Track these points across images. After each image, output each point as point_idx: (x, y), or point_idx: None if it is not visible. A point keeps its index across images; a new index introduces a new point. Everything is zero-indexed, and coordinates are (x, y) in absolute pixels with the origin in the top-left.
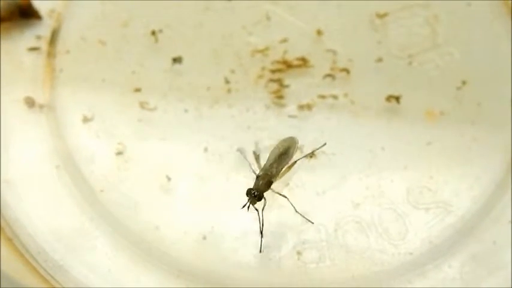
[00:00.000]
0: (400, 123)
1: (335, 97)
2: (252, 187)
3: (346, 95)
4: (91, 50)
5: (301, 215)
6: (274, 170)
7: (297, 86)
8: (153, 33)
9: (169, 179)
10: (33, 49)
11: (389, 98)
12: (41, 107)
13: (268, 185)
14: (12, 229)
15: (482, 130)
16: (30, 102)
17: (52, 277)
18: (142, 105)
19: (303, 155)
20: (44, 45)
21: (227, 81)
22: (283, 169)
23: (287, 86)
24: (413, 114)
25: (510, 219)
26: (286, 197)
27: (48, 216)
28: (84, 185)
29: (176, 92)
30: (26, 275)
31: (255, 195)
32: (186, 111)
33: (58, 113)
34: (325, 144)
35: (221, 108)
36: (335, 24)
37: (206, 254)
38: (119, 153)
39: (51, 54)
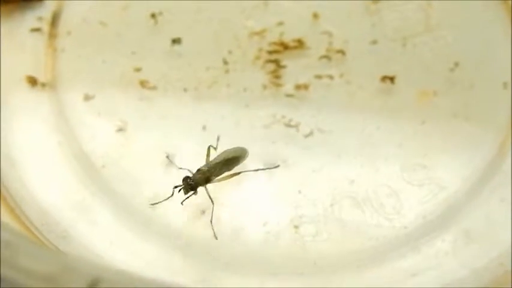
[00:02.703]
0: (394, 103)
1: (331, 77)
2: (190, 176)
3: (341, 75)
4: (92, 30)
5: (212, 228)
6: (216, 171)
7: (294, 66)
8: (153, 15)
9: (168, 156)
10: (35, 30)
11: (384, 79)
12: (43, 85)
13: (204, 181)
14: (17, 202)
15: (475, 110)
16: (32, 81)
17: (56, 247)
18: (143, 84)
19: (252, 169)
20: (45, 26)
21: (225, 62)
22: (225, 174)
23: (284, 67)
24: (407, 94)
25: (501, 195)
26: (212, 203)
27: (51, 191)
28: (85, 160)
29: (175, 72)
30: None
31: (189, 184)
32: (185, 90)
33: (60, 91)
34: (278, 166)
35: (220, 88)
36: (331, 7)
37: (206, 227)
38: (120, 130)
39: (52, 35)
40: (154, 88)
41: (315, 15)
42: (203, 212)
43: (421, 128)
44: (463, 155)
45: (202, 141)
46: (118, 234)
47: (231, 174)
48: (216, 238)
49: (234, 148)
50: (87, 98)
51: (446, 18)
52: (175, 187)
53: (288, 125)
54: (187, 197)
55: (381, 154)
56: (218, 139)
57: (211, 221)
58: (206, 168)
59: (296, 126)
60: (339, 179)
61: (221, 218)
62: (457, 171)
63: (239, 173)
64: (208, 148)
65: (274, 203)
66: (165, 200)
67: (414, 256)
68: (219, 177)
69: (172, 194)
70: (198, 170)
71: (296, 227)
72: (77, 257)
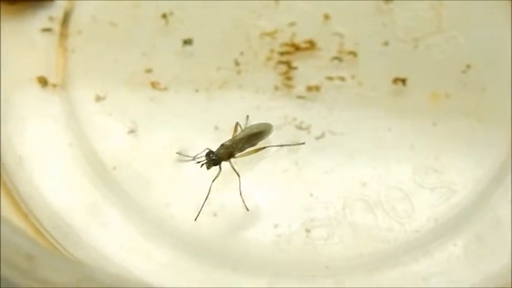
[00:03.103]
0: (406, 105)
1: (342, 79)
2: (213, 151)
3: (353, 76)
4: (103, 31)
5: (242, 200)
6: (240, 145)
7: (305, 68)
8: (164, 15)
9: (180, 156)
10: (46, 30)
11: (395, 80)
12: (54, 86)
13: (228, 155)
14: (28, 205)
15: (486, 112)
16: (43, 82)
17: (66, 250)
18: (154, 85)
19: (276, 144)
20: (56, 26)
21: (237, 63)
22: (249, 149)
23: (295, 68)
24: (419, 96)
25: None
26: (238, 175)
27: (62, 193)
28: (96, 162)
29: (187, 73)
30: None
31: (213, 159)
32: (196, 91)
33: (71, 92)
34: (303, 143)
35: (231, 89)
36: (342, 8)
37: (216, 230)
38: (131, 131)
39: (63, 35)
40: (165, 89)
41: (326, 16)
42: (215, 214)
43: (432, 129)
44: (475, 157)
45: (214, 141)
46: (129, 236)
47: (254, 150)
48: (248, 209)
49: (258, 124)
50: (98, 98)
51: (458, 19)
52: (198, 162)
53: (300, 127)
54: (216, 177)
55: (392, 156)
56: (247, 118)
57: (240, 194)
58: (230, 143)
59: (307, 128)
60: (351, 181)
61: (232, 221)
62: (469, 173)
63: (263, 148)
64: (236, 124)
65: (285, 205)
66: (189, 159)
67: (426, 260)
68: (242, 152)
69: (193, 159)
70: (222, 145)
71: (308, 230)
72: (95, 267)
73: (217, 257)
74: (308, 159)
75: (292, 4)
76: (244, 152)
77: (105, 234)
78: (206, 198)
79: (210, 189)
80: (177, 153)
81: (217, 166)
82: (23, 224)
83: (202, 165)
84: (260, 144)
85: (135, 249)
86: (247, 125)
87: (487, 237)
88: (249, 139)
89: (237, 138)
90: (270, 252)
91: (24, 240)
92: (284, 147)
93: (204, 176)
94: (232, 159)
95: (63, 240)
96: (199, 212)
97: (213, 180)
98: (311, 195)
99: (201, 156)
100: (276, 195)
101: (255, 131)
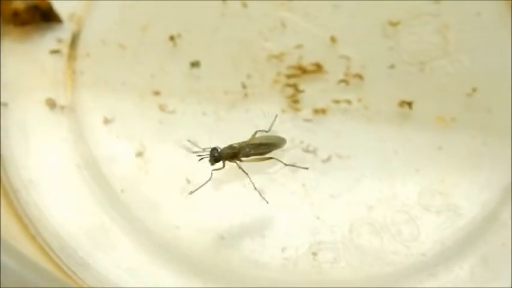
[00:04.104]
0: (412, 128)
1: (349, 102)
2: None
3: (359, 100)
4: (111, 53)
5: (259, 193)
6: (247, 150)
7: (312, 91)
8: (172, 38)
9: (188, 181)
10: (54, 52)
11: (401, 104)
12: (62, 108)
13: (231, 156)
14: (36, 227)
15: (492, 135)
16: (51, 104)
17: (74, 273)
18: (162, 107)
19: (282, 160)
20: (64, 48)
21: (244, 86)
22: (256, 156)
23: (302, 91)
24: (424, 119)
25: None
26: (247, 174)
27: (70, 215)
28: (105, 184)
29: (194, 96)
30: (49, 272)
31: (215, 155)
32: (204, 114)
33: (79, 114)
34: (307, 168)
35: (238, 112)
36: (348, 31)
37: (224, 253)
38: (139, 154)
39: (71, 57)
40: (173, 112)
41: (333, 39)
42: (222, 237)
43: (438, 153)
44: (481, 180)
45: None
46: (137, 259)
47: (260, 158)
48: (267, 202)
49: (272, 135)
50: (106, 121)
51: (464, 42)
52: (199, 155)
53: (306, 150)
54: (218, 169)
55: (398, 179)
56: (275, 118)
57: (255, 188)
58: (237, 146)
59: (314, 151)
60: (357, 205)
61: (240, 244)
62: (475, 197)
63: (269, 158)
64: (255, 133)
65: (292, 228)
66: (203, 184)
67: (432, 283)
68: (248, 158)
69: (211, 178)
70: (230, 145)
71: (314, 253)
72: None
73: (225, 280)
74: (315, 182)
75: (299, 27)
76: (249, 158)
77: (112, 257)
78: (205, 183)
79: (211, 176)
80: (188, 140)
81: (221, 163)
82: (31, 246)
83: (201, 159)
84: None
85: (142, 272)
86: (271, 126)
87: (493, 260)
88: (258, 147)
89: (247, 143)
90: (278, 276)
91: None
92: (288, 166)
93: (213, 198)
94: (238, 162)
95: (70, 262)
96: (196, 190)
97: (213, 170)
98: (318, 218)
99: (207, 152)
100: (283, 218)
101: (265, 141)
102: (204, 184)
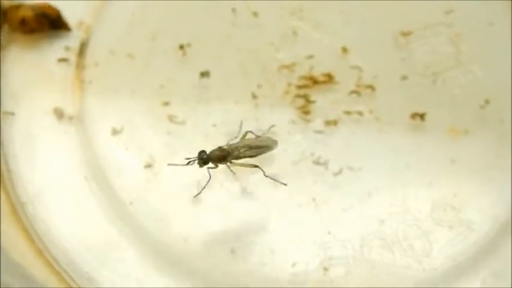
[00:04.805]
0: (424, 141)
1: (360, 113)
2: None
3: (371, 111)
4: (120, 62)
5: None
6: (236, 152)
7: (323, 102)
8: (181, 47)
9: (197, 193)
10: (63, 60)
11: (414, 116)
12: (70, 118)
13: (219, 158)
14: (43, 241)
15: (505, 148)
16: (59, 114)
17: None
18: (171, 118)
19: (264, 170)
20: (73, 56)
21: (254, 96)
22: (243, 161)
23: (313, 102)
24: (437, 131)
25: None
26: (237, 176)
27: (77, 228)
28: (113, 196)
29: (204, 106)
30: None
31: (203, 158)
32: (214, 125)
33: (87, 124)
34: (286, 184)
35: (249, 123)
36: (360, 41)
37: (234, 267)
38: (148, 165)
39: (80, 66)
40: (182, 123)
41: (344, 49)
42: (233, 251)
43: (451, 166)
44: (493, 194)
45: (232, 177)
46: (145, 272)
47: (247, 164)
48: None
49: (264, 137)
50: (114, 132)
51: (477, 53)
52: (187, 159)
53: (317, 162)
54: (210, 167)
55: (410, 193)
56: (271, 127)
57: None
58: (227, 147)
59: (325, 163)
60: (369, 219)
61: (249, 258)
62: (487, 211)
63: (256, 166)
64: (246, 132)
65: (303, 243)
66: (205, 185)
67: None
68: (236, 161)
69: (210, 178)
70: (219, 147)
71: (325, 268)
72: None
73: None
74: (326, 195)
75: (310, 37)
76: (237, 161)
77: (121, 270)
78: (207, 183)
79: (210, 177)
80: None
81: (212, 166)
82: (37, 261)
83: (188, 162)
84: (258, 159)
85: (151, 284)
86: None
87: (505, 276)
88: (249, 149)
89: (236, 145)
90: None
91: None
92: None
93: (223, 211)
94: (228, 164)
95: (77, 276)
96: (199, 193)
97: (208, 168)
98: (329, 232)
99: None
100: (294, 233)
101: (257, 143)
102: (206, 185)
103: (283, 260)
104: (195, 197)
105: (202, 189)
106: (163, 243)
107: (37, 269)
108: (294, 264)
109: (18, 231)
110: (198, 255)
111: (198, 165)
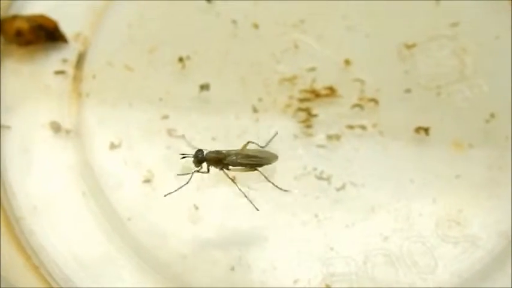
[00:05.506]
0: (428, 155)
1: (363, 127)
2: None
3: (374, 125)
4: (118, 75)
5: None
6: (233, 158)
7: (325, 115)
8: (181, 59)
9: (196, 208)
10: (59, 72)
11: (418, 130)
12: (68, 132)
13: (216, 161)
14: (39, 257)
15: (510, 162)
16: (56, 127)
17: None
18: (170, 132)
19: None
20: (70, 69)
21: (255, 110)
22: (242, 167)
23: (315, 116)
24: (441, 146)
25: None
26: (235, 182)
27: (74, 244)
28: (111, 212)
29: (204, 120)
30: None
31: (199, 156)
32: (213, 139)
33: (84, 138)
34: (288, 191)
35: (249, 138)
36: (363, 54)
37: (234, 284)
38: (147, 181)
39: (77, 78)
40: (182, 137)
41: (347, 62)
42: (232, 268)
43: (455, 181)
44: (499, 209)
45: (232, 191)
46: None
47: (244, 169)
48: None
49: (264, 150)
50: (112, 146)
51: (482, 66)
52: (181, 154)
53: (320, 177)
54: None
55: (414, 209)
56: (275, 135)
57: (245, 196)
58: (224, 152)
59: (328, 178)
60: (372, 235)
61: (249, 276)
62: (493, 227)
63: (254, 170)
64: (247, 142)
65: (305, 260)
66: (182, 186)
67: None
68: (233, 167)
69: (189, 180)
70: (217, 150)
71: (328, 286)
72: None
73: None
74: (328, 211)
75: (312, 49)
76: (234, 168)
77: (119, 287)
78: (185, 184)
79: (190, 178)
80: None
81: (205, 167)
82: (33, 277)
83: (183, 157)
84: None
85: None
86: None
87: None
88: (246, 158)
89: (235, 151)
90: None
91: None
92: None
93: (223, 227)
94: (225, 170)
95: None
96: (174, 191)
97: (195, 172)
98: (331, 249)
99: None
100: (296, 249)
101: (256, 153)
102: (183, 186)
103: (284, 276)
104: (165, 196)
105: (178, 189)
106: (161, 260)
107: (33, 285)
108: (296, 281)
109: (13, 246)
110: (198, 273)
111: (193, 163)
